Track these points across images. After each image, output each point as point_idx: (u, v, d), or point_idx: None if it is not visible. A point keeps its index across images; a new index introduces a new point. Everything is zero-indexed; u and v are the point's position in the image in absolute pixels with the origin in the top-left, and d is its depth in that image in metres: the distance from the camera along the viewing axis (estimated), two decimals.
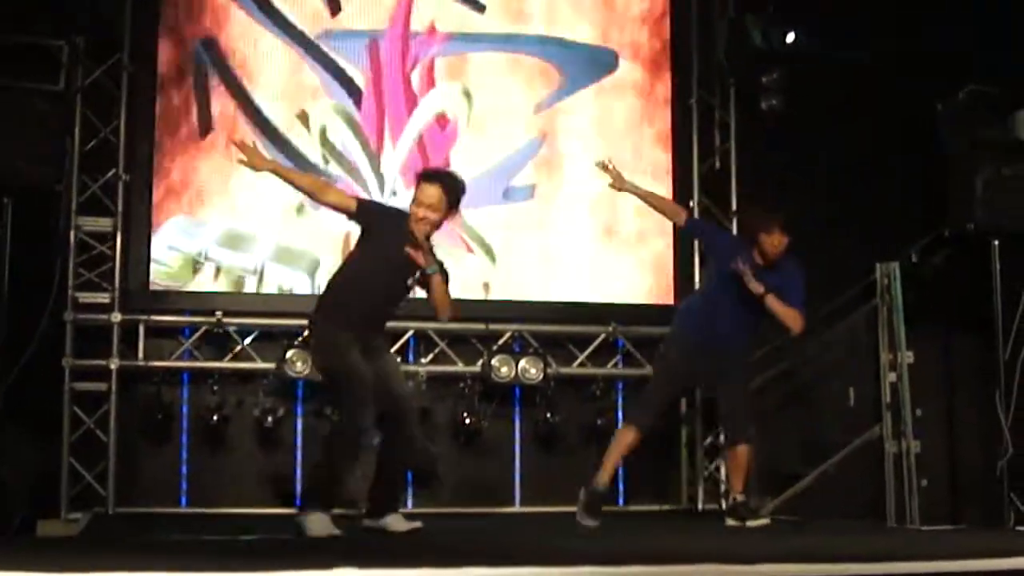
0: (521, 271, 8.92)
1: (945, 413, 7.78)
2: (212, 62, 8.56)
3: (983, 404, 7.56)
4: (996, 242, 7.44)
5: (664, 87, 9.28)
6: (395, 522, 6.60)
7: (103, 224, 8.30)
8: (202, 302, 8.41)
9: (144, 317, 8.34)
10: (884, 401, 7.70)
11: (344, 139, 8.76)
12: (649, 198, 7.57)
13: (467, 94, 8.98)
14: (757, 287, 7.10)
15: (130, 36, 8.35)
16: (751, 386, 7.81)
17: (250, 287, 8.50)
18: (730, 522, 7.43)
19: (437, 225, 6.56)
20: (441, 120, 8.93)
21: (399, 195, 8.57)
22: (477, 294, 8.73)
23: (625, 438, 7.38)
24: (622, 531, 7.12)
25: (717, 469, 9.12)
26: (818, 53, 8.65)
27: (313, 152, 8.67)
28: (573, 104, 9.11)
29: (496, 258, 8.88)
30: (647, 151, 9.12)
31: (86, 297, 8.22)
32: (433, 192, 6.48)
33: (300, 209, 8.47)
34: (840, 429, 8.16)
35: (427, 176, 6.63)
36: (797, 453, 8.51)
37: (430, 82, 8.96)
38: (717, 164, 9.32)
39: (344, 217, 6.68)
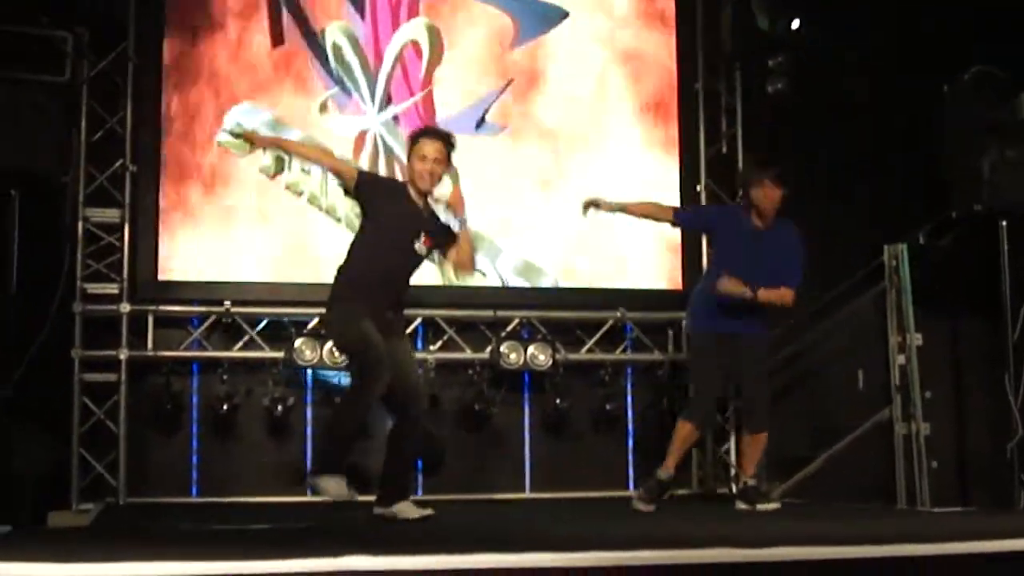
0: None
1: (954, 395, 7.75)
2: None
3: (992, 386, 7.54)
4: (1004, 223, 7.42)
5: (671, 73, 9.29)
6: (406, 509, 6.61)
7: (111, 215, 8.32)
8: (211, 292, 8.41)
9: (153, 307, 8.34)
10: (893, 384, 7.71)
11: (350, 58, 8.85)
12: (633, 209, 7.61)
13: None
14: (743, 292, 7.12)
15: (135, 26, 8.35)
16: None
17: None
18: (740, 506, 7.44)
19: (440, 179, 6.78)
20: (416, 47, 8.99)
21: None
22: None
23: (682, 431, 7.38)
24: (634, 516, 7.11)
25: (727, 452, 9.12)
26: (822, 39, 8.63)
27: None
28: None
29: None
30: (654, 132, 9.15)
31: (95, 288, 8.23)
32: (438, 147, 6.72)
33: None
34: (849, 412, 8.17)
35: (428, 133, 6.90)
36: (807, 436, 8.52)
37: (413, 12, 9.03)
38: (724, 148, 9.31)
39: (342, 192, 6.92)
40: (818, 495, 8.12)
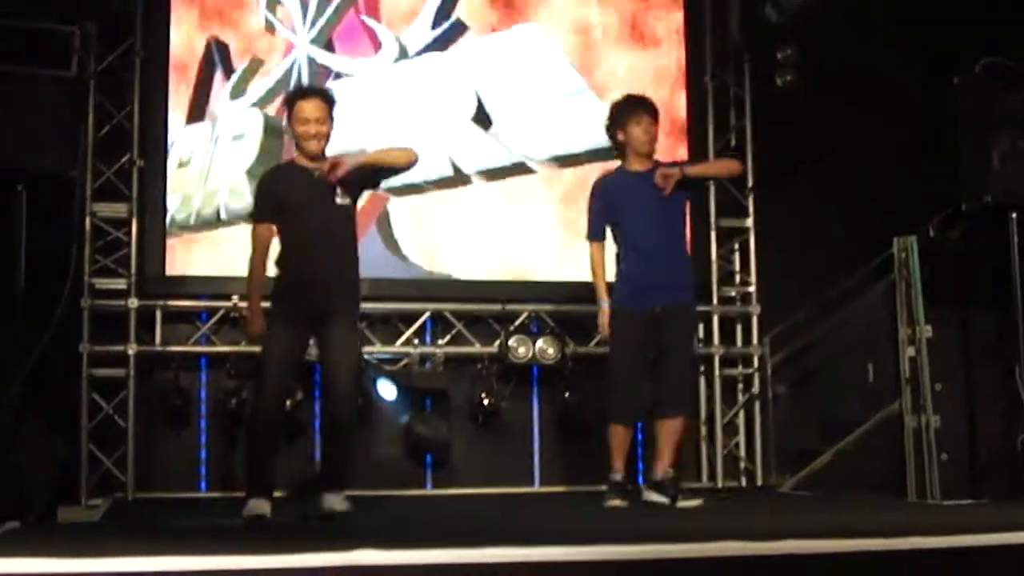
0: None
1: (964, 387, 7.74)
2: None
3: (1003, 378, 7.53)
4: (1014, 215, 7.40)
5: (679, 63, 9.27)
6: (329, 501, 6.42)
7: (118, 210, 8.32)
8: (219, 287, 8.41)
9: (161, 302, 8.35)
10: (903, 376, 7.69)
11: None
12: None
13: None
14: (671, 172, 6.95)
15: (142, 21, 8.35)
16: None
17: None
18: (652, 497, 7.15)
19: (328, 138, 6.49)
20: None
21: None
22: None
23: (614, 436, 7.21)
24: (642, 509, 7.09)
25: (736, 446, 9.11)
26: (833, 27, 8.59)
27: None
28: None
29: None
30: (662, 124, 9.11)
31: (103, 283, 8.24)
32: (318, 105, 6.43)
33: None
34: (859, 405, 8.15)
35: (302, 93, 6.58)
36: (816, 429, 8.51)
37: None
38: (733, 141, 9.29)
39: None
40: (828, 488, 8.10)
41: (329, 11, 8.83)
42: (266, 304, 6.53)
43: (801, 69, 8.68)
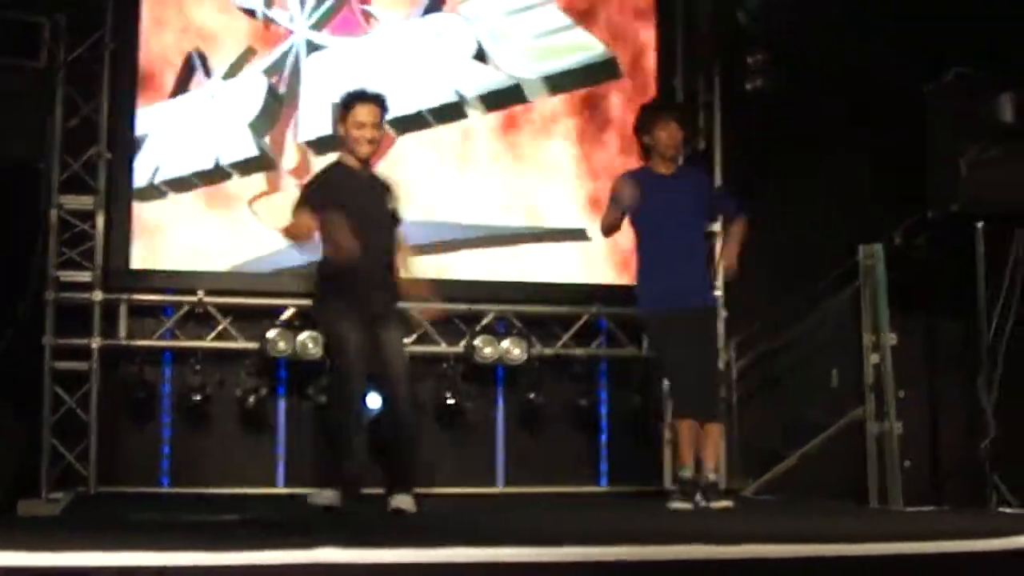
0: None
1: (928, 395, 7.77)
2: None
3: (966, 386, 7.56)
4: (980, 224, 7.43)
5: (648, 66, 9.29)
6: (398, 501, 6.51)
7: (85, 202, 8.26)
8: (184, 281, 8.39)
9: (126, 296, 8.31)
10: (867, 383, 7.71)
11: None
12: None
13: None
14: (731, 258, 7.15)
15: (112, 13, 8.31)
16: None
17: None
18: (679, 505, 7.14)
19: (379, 143, 6.70)
20: None
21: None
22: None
23: (682, 431, 7.18)
24: (606, 513, 7.10)
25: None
26: (802, 33, 8.61)
27: None
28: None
29: None
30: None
31: (67, 276, 8.18)
32: (374, 111, 6.59)
33: None
34: (823, 410, 8.17)
35: (360, 96, 6.66)
36: (780, 433, 8.53)
37: None
38: (702, 145, 9.30)
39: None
40: (791, 492, 8.13)
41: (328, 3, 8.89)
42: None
43: (770, 74, 8.71)
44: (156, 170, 8.44)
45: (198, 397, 8.33)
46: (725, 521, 6.55)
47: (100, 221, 8.26)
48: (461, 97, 8.98)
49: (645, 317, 7.38)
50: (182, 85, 8.58)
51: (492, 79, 9.05)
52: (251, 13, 8.72)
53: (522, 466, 8.93)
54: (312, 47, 8.79)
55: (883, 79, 8.59)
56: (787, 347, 8.68)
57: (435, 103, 8.94)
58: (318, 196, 6.59)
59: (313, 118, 8.67)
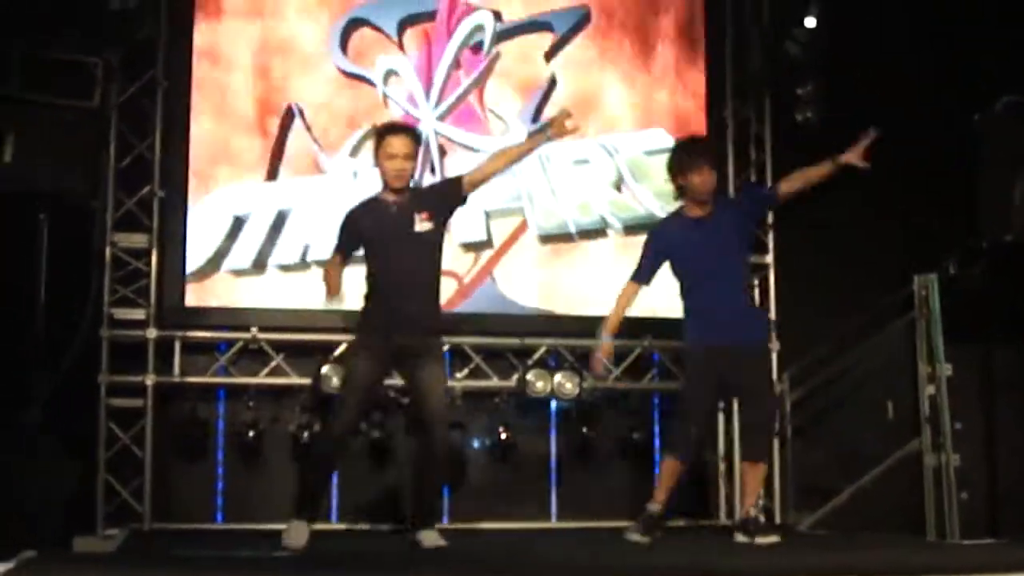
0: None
1: (985, 426, 7.70)
2: None
3: (1022, 416, 7.49)
4: None
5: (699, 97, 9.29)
6: (425, 538, 6.60)
7: (138, 241, 8.33)
8: (237, 318, 8.42)
9: (179, 333, 8.35)
10: (923, 414, 7.63)
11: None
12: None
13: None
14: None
15: (164, 52, 8.39)
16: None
17: None
18: (740, 538, 7.16)
19: (413, 175, 6.79)
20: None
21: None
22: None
23: (666, 468, 7.25)
24: (660, 547, 7.06)
25: None
26: (851, 63, 8.59)
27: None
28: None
29: None
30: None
31: (121, 313, 8.24)
32: (406, 142, 6.67)
33: None
34: (879, 442, 8.10)
35: (391, 130, 6.77)
36: (835, 467, 8.46)
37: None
38: (753, 177, 9.28)
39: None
40: (846, 526, 8.05)
41: (457, 92, 8.95)
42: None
43: (820, 105, 8.68)
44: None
45: (251, 433, 8.35)
46: (780, 556, 6.50)
47: (154, 259, 8.31)
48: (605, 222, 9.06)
49: (686, 351, 7.38)
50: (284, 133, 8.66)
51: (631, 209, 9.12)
52: (360, 79, 8.84)
53: (575, 500, 8.89)
54: (439, 137, 8.88)
55: (934, 108, 8.56)
56: (841, 378, 8.62)
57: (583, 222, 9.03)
58: (343, 239, 6.86)
59: None
